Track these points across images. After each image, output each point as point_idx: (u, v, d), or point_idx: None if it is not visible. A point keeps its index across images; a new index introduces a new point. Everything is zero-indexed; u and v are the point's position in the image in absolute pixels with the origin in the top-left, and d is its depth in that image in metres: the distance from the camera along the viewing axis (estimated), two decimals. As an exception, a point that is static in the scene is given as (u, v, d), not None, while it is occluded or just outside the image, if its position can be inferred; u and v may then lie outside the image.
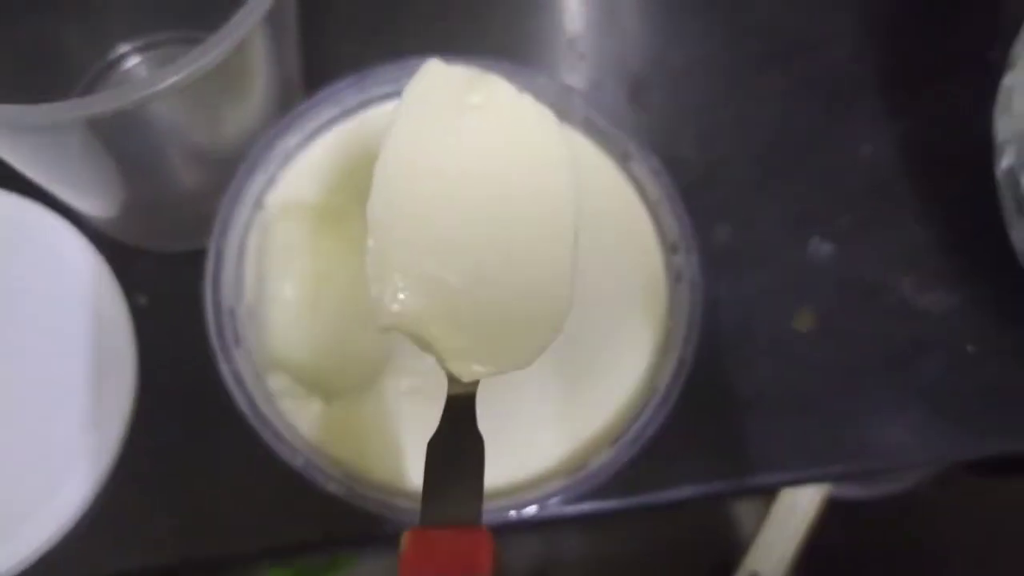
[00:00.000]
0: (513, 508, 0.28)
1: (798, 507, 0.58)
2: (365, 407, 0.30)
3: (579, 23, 0.43)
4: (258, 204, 0.32)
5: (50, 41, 0.36)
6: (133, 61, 0.38)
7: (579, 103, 0.32)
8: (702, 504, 0.66)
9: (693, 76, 0.42)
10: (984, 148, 0.37)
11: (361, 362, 0.31)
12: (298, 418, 0.30)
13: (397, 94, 0.30)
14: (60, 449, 0.33)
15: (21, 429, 0.34)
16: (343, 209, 0.32)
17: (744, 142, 0.41)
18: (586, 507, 0.34)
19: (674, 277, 0.32)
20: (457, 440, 0.25)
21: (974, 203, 0.39)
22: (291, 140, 0.32)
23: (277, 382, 0.30)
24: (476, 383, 0.26)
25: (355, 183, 0.27)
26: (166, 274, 0.36)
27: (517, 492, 0.29)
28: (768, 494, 0.60)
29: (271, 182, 0.32)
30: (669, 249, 0.32)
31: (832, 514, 0.60)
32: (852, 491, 0.65)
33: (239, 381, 0.29)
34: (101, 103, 0.25)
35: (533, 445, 0.30)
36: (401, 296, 0.25)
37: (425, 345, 0.25)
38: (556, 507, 0.33)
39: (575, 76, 0.42)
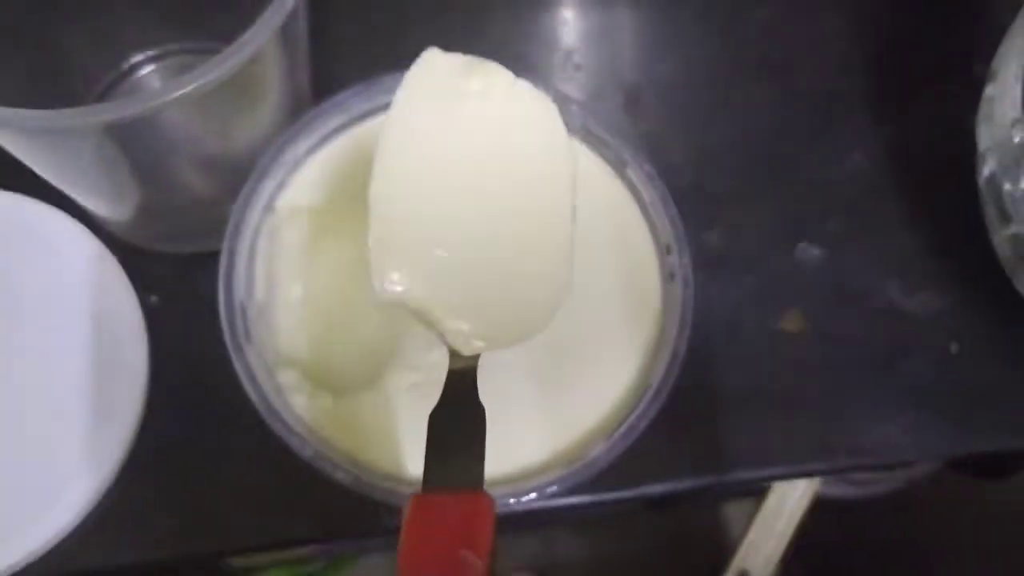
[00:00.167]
0: (513, 496, 0.29)
1: (786, 506, 0.59)
2: (371, 402, 0.31)
3: (576, 36, 0.44)
4: (269, 208, 0.33)
5: (64, 51, 0.37)
6: (145, 71, 0.39)
7: (577, 112, 0.33)
8: (693, 497, 0.67)
9: (685, 88, 0.44)
10: (969, 156, 0.38)
11: (367, 359, 0.32)
12: (306, 412, 0.31)
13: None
14: (72, 444, 0.34)
15: (34, 425, 0.35)
16: (349, 212, 0.33)
17: (734, 151, 0.42)
18: (581, 499, 0.35)
19: (667, 276, 0.33)
20: (459, 410, 0.26)
21: (959, 210, 0.40)
22: (300, 147, 0.33)
23: (286, 378, 0.31)
24: (477, 357, 0.27)
25: (361, 188, 0.28)
26: (178, 275, 0.37)
27: (514, 483, 0.30)
28: (757, 494, 0.61)
29: (281, 187, 0.33)
30: (663, 250, 0.33)
31: (821, 514, 0.61)
32: (840, 490, 0.66)
33: (251, 376, 0.29)
34: (119, 110, 0.26)
35: (530, 438, 0.31)
36: (402, 272, 0.26)
37: (426, 320, 0.26)
38: (552, 499, 0.34)
39: (572, 86, 0.43)
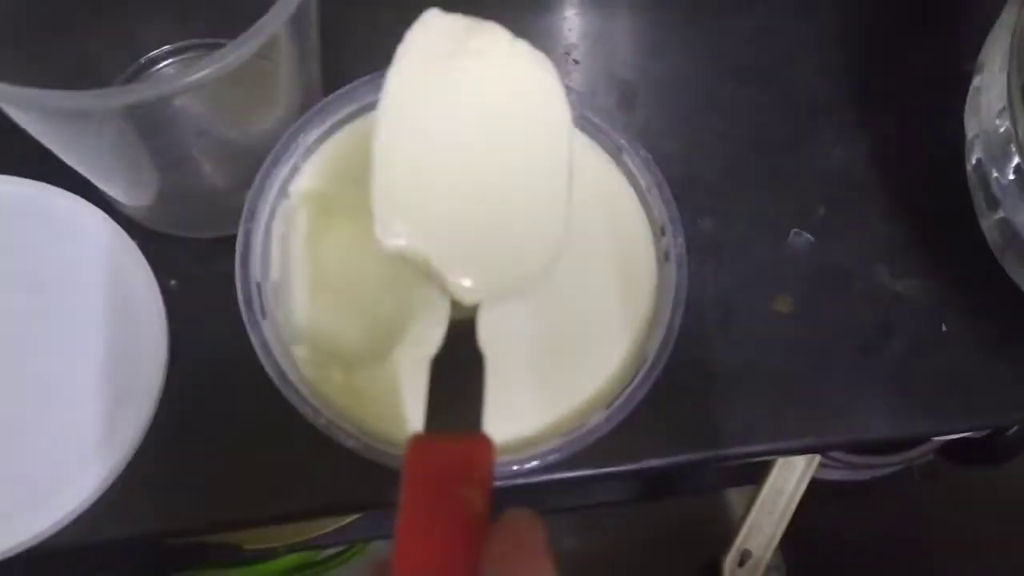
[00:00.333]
0: (516, 463, 0.30)
1: (785, 490, 0.60)
2: (381, 375, 0.32)
3: (575, 33, 0.45)
4: (283, 192, 0.34)
5: (86, 48, 0.37)
6: (163, 64, 0.40)
7: (575, 101, 0.34)
8: (690, 479, 0.68)
9: (678, 85, 0.45)
10: (957, 146, 0.40)
11: (377, 334, 0.33)
12: (319, 385, 0.32)
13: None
14: (93, 422, 0.35)
15: (58, 403, 0.36)
16: (359, 197, 0.34)
17: (726, 145, 0.43)
18: (581, 472, 0.36)
19: (662, 257, 0.34)
20: (459, 357, 0.26)
21: (948, 198, 0.41)
22: (312, 134, 0.34)
23: (300, 352, 0.32)
24: (476, 307, 0.27)
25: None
26: (196, 260, 0.38)
27: (517, 452, 0.31)
28: (755, 481, 0.62)
29: (294, 172, 0.34)
30: (658, 232, 0.34)
31: (820, 498, 0.62)
32: (839, 475, 0.67)
33: (267, 350, 0.31)
34: (139, 92, 0.27)
35: (531, 409, 0.32)
36: (403, 224, 0.27)
37: (427, 272, 0.27)
38: (553, 472, 0.35)
39: (569, 81, 0.44)
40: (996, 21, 0.38)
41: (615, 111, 0.44)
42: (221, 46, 0.27)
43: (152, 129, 0.31)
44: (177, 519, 0.36)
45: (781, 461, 0.59)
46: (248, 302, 0.31)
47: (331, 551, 0.73)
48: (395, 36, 0.29)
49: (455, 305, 0.28)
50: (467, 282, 0.27)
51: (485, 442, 0.25)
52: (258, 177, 0.33)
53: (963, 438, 0.62)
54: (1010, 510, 0.63)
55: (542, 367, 0.33)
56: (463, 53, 0.29)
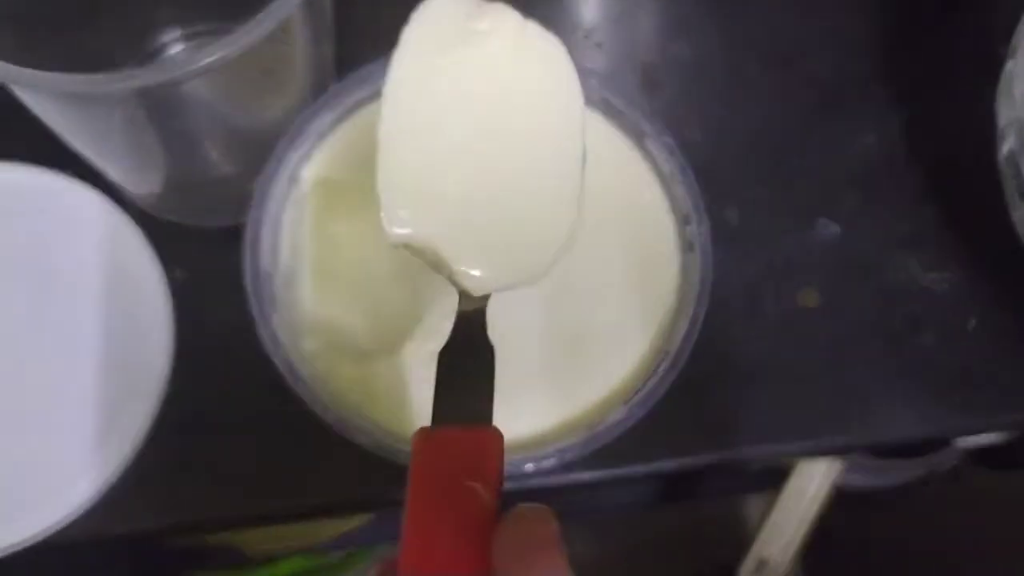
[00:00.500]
0: (532, 461, 0.29)
1: (806, 495, 0.58)
2: (392, 369, 0.31)
3: (596, 15, 0.45)
4: (293, 179, 0.33)
5: (97, 32, 0.36)
6: (175, 49, 0.40)
7: (596, 85, 0.34)
8: (709, 479, 0.66)
9: (701, 69, 0.44)
10: (988, 133, 0.38)
11: (388, 327, 0.32)
12: (329, 379, 0.31)
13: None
14: (98, 414, 0.35)
15: (63, 395, 0.35)
16: (372, 184, 0.33)
17: (752, 130, 0.42)
18: (597, 473, 0.36)
19: (686, 247, 0.33)
20: (468, 348, 0.25)
21: (978, 187, 0.39)
22: (324, 120, 0.33)
23: (310, 345, 0.31)
24: (486, 298, 0.26)
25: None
26: (203, 250, 0.38)
27: (533, 449, 0.30)
28: (775, 485, 0.61)
29: (306, 158, 0.33)
30: (682, 220, 0.33)
31: (839, 503, 0.60)
32: (859, 480, 0.66)
33: (276, 342, 0.30)
34: (150, 75, 0.27)
35: (548, 406, 0.31)
36: (411, 212, 0.26)
37: (435, 262, 0.26)
38: (570, 472, 0.34)
39: (591, 64, 0.43)
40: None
41: (637, 95, 0.43)
42: (232, 31, 0.27)
43: (163, 114, 0.30)
44: (182, 515, 0.35)
45: (802, 463, 0.58)
46: (257, 292, 0.31)
47: (335, 556, 0.72)
48: (406, 18, 0.28)
49: (464, 296, 0.27)
50: (476, 272, 0.26)
51: (494, 435, 0.24)
52: (269, 162, 0.32)
53: (989, 443, 0.61)
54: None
55: (558, 363, 0.32)
56: (471, 34, 0.28)
